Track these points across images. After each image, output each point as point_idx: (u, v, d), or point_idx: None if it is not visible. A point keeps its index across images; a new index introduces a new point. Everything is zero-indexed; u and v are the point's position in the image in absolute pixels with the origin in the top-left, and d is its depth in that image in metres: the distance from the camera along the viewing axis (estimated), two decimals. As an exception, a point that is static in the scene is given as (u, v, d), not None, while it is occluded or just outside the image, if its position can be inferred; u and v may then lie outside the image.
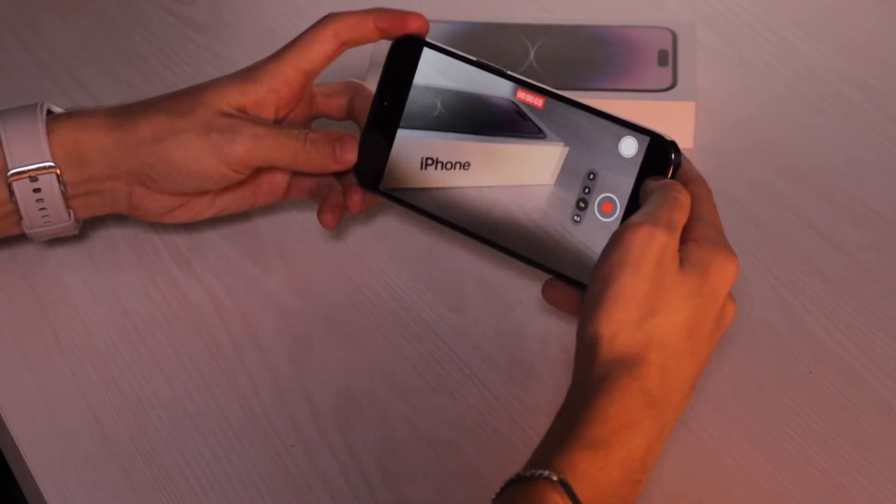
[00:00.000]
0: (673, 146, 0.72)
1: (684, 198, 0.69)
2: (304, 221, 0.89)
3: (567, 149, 0.76)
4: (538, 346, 0.81)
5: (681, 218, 0.69)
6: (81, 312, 0.84)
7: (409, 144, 0.80)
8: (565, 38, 0.99)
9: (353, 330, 0.82)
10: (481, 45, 0.99)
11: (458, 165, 0.79)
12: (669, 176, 0.72)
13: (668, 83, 0.94)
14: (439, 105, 0.79)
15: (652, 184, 0.71)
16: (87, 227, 0.88)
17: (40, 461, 0.75)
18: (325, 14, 0.82)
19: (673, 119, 0.93)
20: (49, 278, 0.86)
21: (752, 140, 0.95)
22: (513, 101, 0.78)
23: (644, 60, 0.96)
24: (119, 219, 0.89)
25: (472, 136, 0.79)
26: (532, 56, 0.97)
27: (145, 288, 0.85)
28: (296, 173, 0.84)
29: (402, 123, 0.80)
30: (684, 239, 0.69)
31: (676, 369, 0.66)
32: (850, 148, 0.95)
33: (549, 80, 0.95)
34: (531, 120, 0.77)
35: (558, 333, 0.81)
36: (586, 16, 1.07)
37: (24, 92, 1.03)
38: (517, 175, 0.77)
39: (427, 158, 0.80)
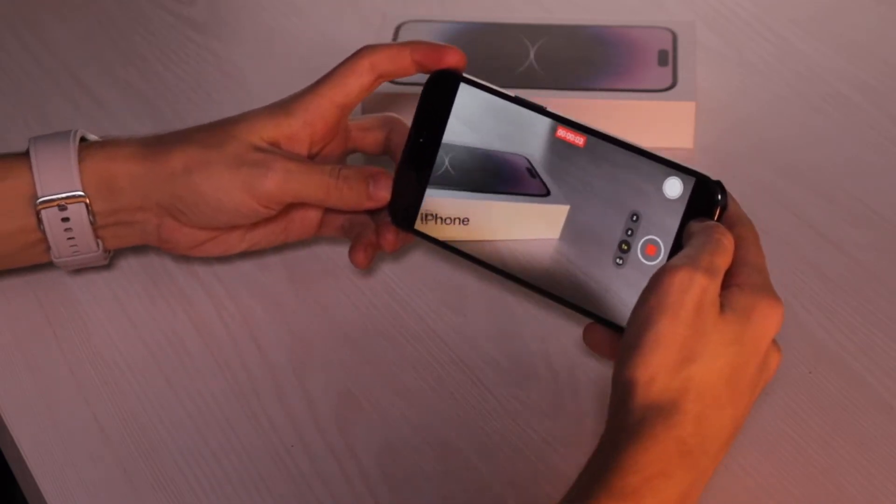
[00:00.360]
0: (719, 187, 0.71)
1: (727, 241, 0.68)
2: (304, 221, 0.89)
3: (568, 207, 0.75)
4: (538, 346, 0.81)
5: (723, 262, 0.67)
6: (81, 312, 0.84)
7: (440, 204, 0.79)
8: (565, 38, 0.99)
9: (354, 330, 0.82)
10: (481, 45, 0.99)
11: (457, 220, 0.78)
12: (715, 218, 0.71)
13: (668, 83, 0.94)
14: (447, 162, 0.79)
15: (695, 226, 0.70)
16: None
17: (40, 461, 0.75)
18: (362, 46, 0.80)
19: (673, 119, 0.93)
20: (49, 278, 0.86)
21: (752, 140, 0.95)
22: (526, 158, 0.77)
23: (644, 60, 0.96)
24: (119, 219, 0.89)
25: (475, 195, 0.78)
26: (532, 56, 0.97)
27: (145, 288, 0.85)
28: (328, 210, 0.84)
29: (435, 183, 0.79)
30: (728, 284, 0.67)
31: (714, 418, 0.65)
32: (850, 148, 0.95)
33: (549, 80, 0.95)
34: (539, 178, 0.76)
35: (558, 333, 0.81)
36: (586, 16, 1.07)
37: (24, 92, 1.03)
38: (520, 230, 0.77)
39: (427, 213, 0.79)
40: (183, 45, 1.08)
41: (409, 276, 0.85)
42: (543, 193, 0.76)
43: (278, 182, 0.78)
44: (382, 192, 0.80)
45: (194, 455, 0.75)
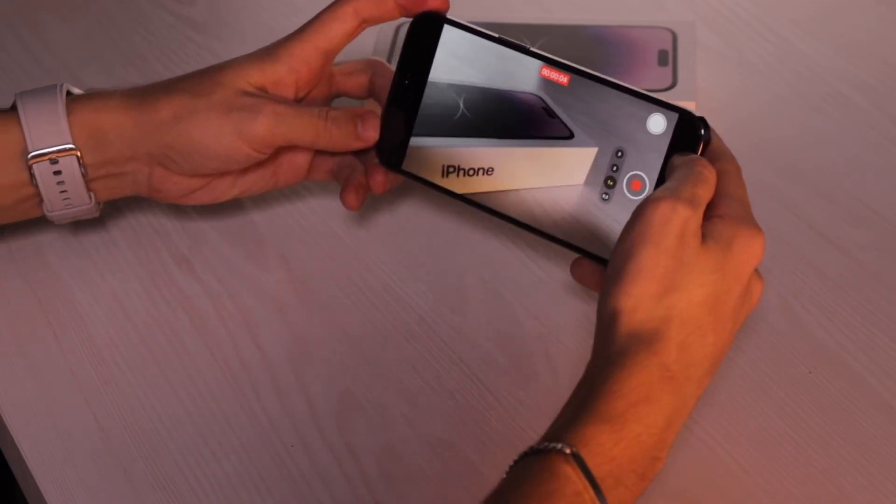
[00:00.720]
0: (702, 122, 0.72)
1: (709, 173, 0.69)
2: (304, 221, 0.89)
3: (596, 149, 0.75)
4: (538, 346, 0.81)
5: (705, 193, 0.68)
6: (81, 312, 0.84)
7: (432, 152, 0.79)
8: (565, 38, 0.99)
9: (354, 330, 0.82)
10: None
11: (481, 171, 0.78)
12: (699, 153, 0.71)
13: (668, 83, 0.94)
14: (462, 106, 0.79)
15: (678, 159, 0.71)
16: (87, 227, 0.88)
17: (40, 461, 0.75)
18: None
19: (673, 119, 0.93)
20: (49, 279, 0.86)
21: (752, 140, 0.95)
22: (539, 96, 0.77)
23: (644, 60, 0.96)
24: (119, 218, 0.89)
25: (497, 141, 0.78)
26: (532, 56, 0.97)
27: (145, 288, 0.85)
28: (317, 153, 0.84)
29: (424, 130, 0.79)
30: (709, 215, 0.68)
31: (697, 345, 0.65)
32: (850, 148, 0.95)
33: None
34: (559, 118, 0.76)
35: (558, 333, 0.81)
36: (586, 16, 1.07)
37: (24, 92, 1.03)
38: (545, 178, 0.77)
39: (449, 166, 0.79)
40: (183, 45, 1.08)
41: (410, 276, 0.85)
42: (568, 135, 0.76)
43: (268, 125, 0.78)
44: (370, 132, 0.80)
45: (194, 455, 0.75)
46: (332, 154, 0.84)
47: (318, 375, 0.79)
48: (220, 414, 0.77)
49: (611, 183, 0.74)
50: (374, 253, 0.87)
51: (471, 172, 0.78)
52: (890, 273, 0.85)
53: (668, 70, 0.95)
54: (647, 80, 0.94)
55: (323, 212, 0.90)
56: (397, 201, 0.90)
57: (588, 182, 0.75)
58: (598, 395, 0.63)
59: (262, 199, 0.91)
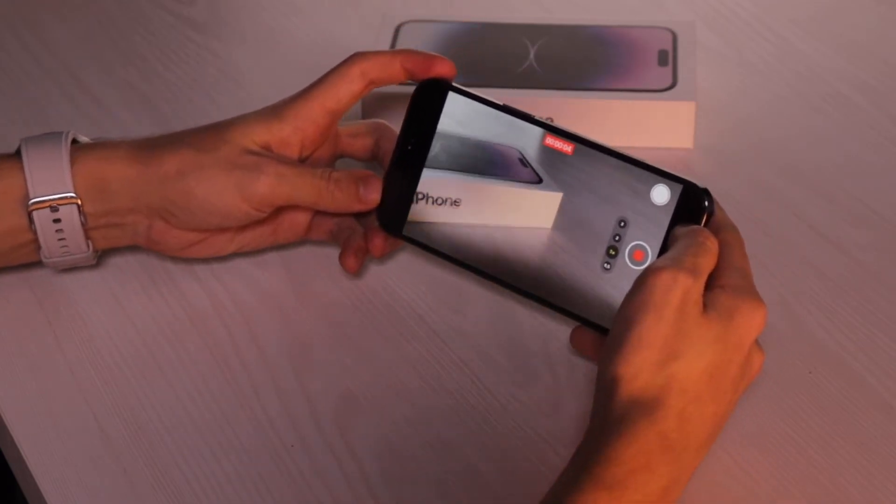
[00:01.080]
0: (706, 194, 0.72)
1: (711, 243, 0.69)
2: (304, 221, 0.89)
3: (561, 194, 0.76)
4: (538, 346, 0.81)
5: (707, 263, 0.68)
6: (81, 313, 0.84)
7: (432, 184, 0.80)
8: (565, 38, 0.99)
9: (353, 330, 0.82)
10: (481, 45, 0.99)
11: (449, 201, 0.79)
12: (702, 224, 0.72)
13: (668, 83, 0.94)
14: (438, 147, 0.79)
15: (680, 230, 0.71)
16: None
17: (40, 461, 0.75)
18: (353, 53, 0.81)
19: (673, 119, 0.93)
20: (49, 279, 0.86)
21: (752, 140, 0.95)
22: (518, 150, 0.77)
23: (644, 60, 0.96)
24: (119, 219, 0.89)
25: (469, 176, 0.79)
26: (532, 56, 0.97)
27: (145, 288, 0.85)
28: (317, 213, 0.84)
29: (428, 165, 0.80)
30: (712, 286, 0.68)
31: (696, 415, 0.66)
32: (850, 148, 0.95)
33: (549, 81, 0.95)
34: (531, 167, 0.77)
35: (558, 333, 0.81)
36: (586, 16, 1.07)
37: (24, 92, 1.03)
38: (512, 217, 0.77)
39: (419, 193, 0.80)
40: (183, 45, 1.08)
41: (409, 276, 0.85)
42: (536, 181, 0.77)
43: (270, 185, 0.78)
44: (373, 195, 0.80)
45: (194, 455, 0.75)
46: (333, 215, 0.84)
47: (318, 375, 0.79)
48: (220, 414, 0.77)
49: (613, 252, 0.75)
50: (374, 253, 0.87)
51: (439, 201, 0.79)
52: (890, 273, 0.85)
53: (668, 70, 0.95)
54: (647, 80, 0.94)
55: (323, 212, 0.90)
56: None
57: (591, 239, 0.75)
58: (597, 462, 0.63)
59: (262, 199, 0.91)
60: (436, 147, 0.79)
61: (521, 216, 0.77)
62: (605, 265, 0.75)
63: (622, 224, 0.74)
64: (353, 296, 0.84)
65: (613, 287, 0.74)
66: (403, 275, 0.86)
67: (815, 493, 0.72)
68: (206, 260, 0.86)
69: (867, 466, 0.73)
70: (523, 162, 0.77)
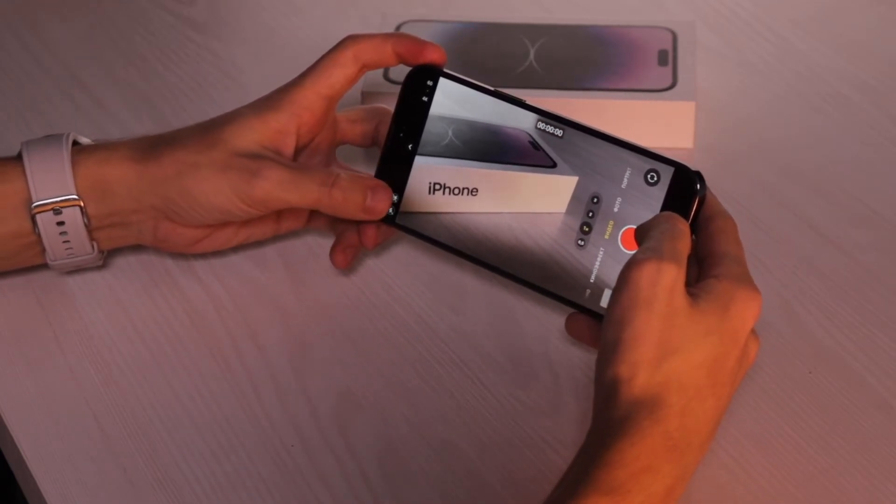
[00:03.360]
0: (698, 177, 0.72)
1: (682, 225, 0.68)
2: (304, 221, 0.89)
3: (577, 178, 0.75)
4: (538, 346, 0.81)
5: (684, 247, 0.67)
6: (81, 313, 0.84)
7: (421, 170, 0.80)
8: (565, 38, 0.99)
9: (354, 330, 0.82)
10: (481, 45, 0.99)
11: (466, 191, 0.78)
12: (694, 208, 0.71)
13: (668, 83, 0.94)
14: (450, 134, 0.79)
15: (646, 223, 0.70)
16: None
17: (40, 461, 0.75)
18: (345, 36, 0.81)
19: (673, 119, 0.93)
20: (49, 279, 0.86)
21: (752, 140, 0.95)
22: (528, 133, 0.77)
23: (644, 60, 0.96)
24: (119, 219, 0.89)
25: (483, 164, 0.78)
26: (532, 56, 0.97)
27: (146, 288, 0.85)
28: None
29: (442, 154, 0.79)
30: (706, 275, 0.68)
31: (698, 410, 0.65)
32: (850, 148, 0.95)
33: (549, 80, 0.95)
34: (543, 150, 0.77)
35: (558, 333, 0.81)
36: (586, 16, 1.07)
37: (24, 92, 1.03)
38: (526, 203, 0.77)
39: (435, 184, 0.79)
40: (183, 45, 1.08)
41: (409, 276, 0.85)
42: (551, 165, 0.76)
43: (267, 190, 0.78)
44: (380, 205, 0.79)
45: (194, 455, 0.75)
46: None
47: (318, 375, 0.79)
48: (220, 414, 0.77)
49: (606, 237, 0.74)
50: (374, 253, 0.87)
51: (456, 191, 0.78)
52: (890, 273, 0.85)
53: (668, 70, 0.95)
54: (647, 80, 0.94)
55: (323, 212, 0.90)
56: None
57: (582, 223, 0.75)
58: (600, 465, 0.63)
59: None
60: (448, 133, 0.79)
61: (536, 202, 0.77)
62: (598, 249, 0.75)
63: (615, 207, 0.74)
64: (353, 296, 0.84)
65: (606, 271, 0.74)
66: (403, 275, 0.86)
67: (815, 493, 0.72)
68: (206, 259, 0.86)
69: (867, 466, 0.73)
70: (535, 146, 0.77)
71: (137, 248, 0.87)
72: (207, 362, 0.80)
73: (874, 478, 0.72)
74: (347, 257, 0.83)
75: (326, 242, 0.87)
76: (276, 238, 0.88)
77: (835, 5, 1.08)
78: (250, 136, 0.79)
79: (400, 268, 0.86)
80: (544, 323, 0.82)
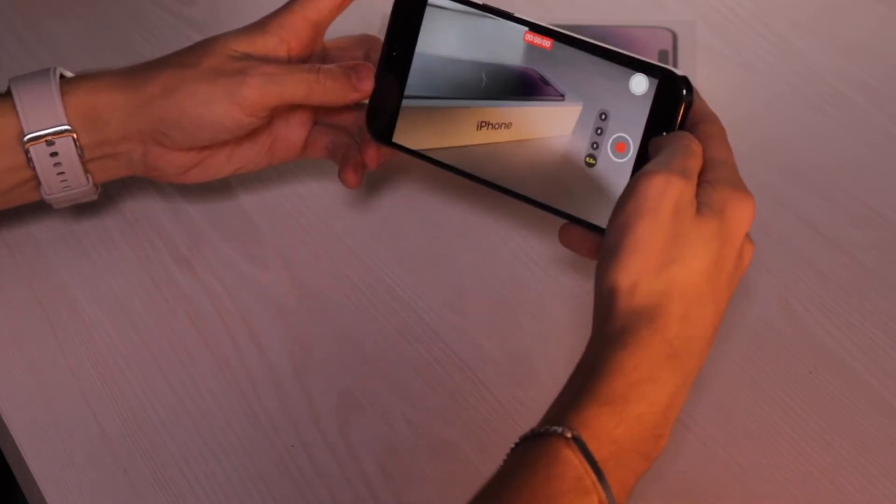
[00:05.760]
0: (685, 82, 0.71)
1: (696, 146, 0.68)
2: (304, 221, 0.89)
3: (581, 105, 0.75)
4: (538, 346, 0.81)
5: (695, 165, 0.67)
6: (81, 312, 0.84)
7: (420, 109, 0.79)
8: (565, 38, 0.99)
9: (354, 330, 0.82)
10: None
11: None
12: (681, 113, 0.71)
13: (668, 83, 0.94)
14: (451, 72, 0.79)
15: (661, 138, 0.70)
16: (87, 227, 0.88)
17: (40, 461, 0.75)
18: None
19: (673, 119, 0.93)
20: (49, 279, 0.86)
21: (752, 140, 0.95)
22: (531, 68, 0.76)
23: (644, 60, 0.96)
24: (118, 218, 0.89)
25: (487, 101, 0.78)
26: (532, 56, 0.97)
27: (145, 288, 0.85)
28: (313, 128, 0.84)
29: (412, 90, 0.79)
30: (699, 181, 0.68)
31: (698, 317, 0.65)
32: (850, 148, 0.95)
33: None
34: (549, 83, 0.76)
35: (558, 333, 0.81)
36: (587, 16, 1.07)
37: (24, 92, 1.03)
38: (532, 130, 0.76)
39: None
40: (183, 45, 1.07)
41: (409, 276, 0.85)
42: (559, 96, 0.76)
43: (259, 85, 0.78)
44: (366, 82, 0.80)
45: (194, 455, 0.75)
46: (329, 127, 0.84)
47: (318, 375, 0.79)
48: (220, 414, 0.77)
49: (595, 146, 0.74)
50: (374, 253, 0.87)
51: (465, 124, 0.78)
52: (890, 273, 0.85)
53: (668, 70, 0.95)
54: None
55: (323, 212, 0.90)
56: (397, 201, 0.90)
57: (574, 135, 0.74)
58: (600, 376, 0.63)
59: (262, 198, 0.91)
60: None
61: (544, 129, 0.76)
62: (589, 159, 0.74)
63: (603, 117, 0.74)
64: (353, 296, 0.84)
65: (598, 180, 0.74)
66: (404, 275, 0.86)
67: (815, 493, 0.72)
68: (207, 259, 0.86)
69: (867, 466, 0.73)
70: (544, 80, 0.77)
71: (138, 248, 0.87)
72: (208, 362, 0.80)
73: (874, 478, 0.72)
74: (358, 175, 0.82)
75: (327, 244, 0.87)
76: (276, 238, 0.88)
77: (835, 5, 1.08)
78: (237, 48, 0.79)
79: (400, 268, 0.86)
80: (544, 323, 0.82)
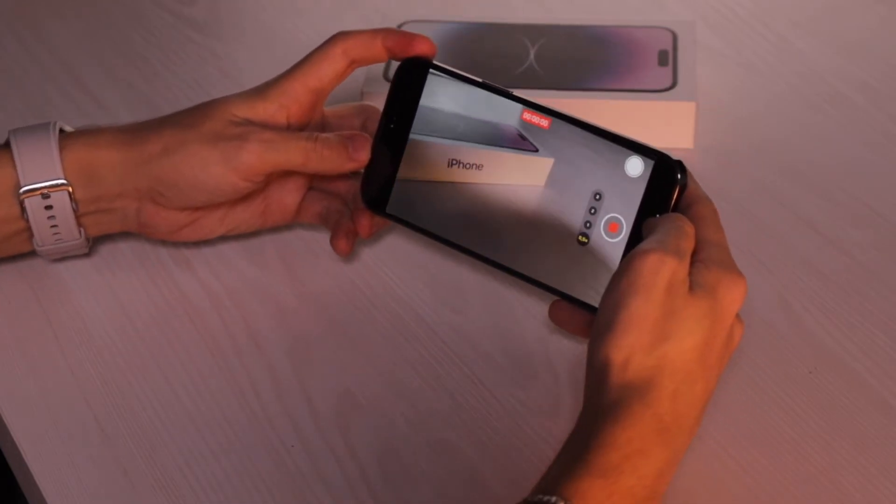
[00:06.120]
0: (679, 166, 0.72)
1: (689, 227, 0.70)
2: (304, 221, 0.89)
3: (552, 160, 0.76)
4: (538, 346, 0.81)
5: (688, 246, 0.69)
6: (81, 312, 0.84)
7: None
8: (565, 38, 0.99)
9: (353, 330, 0.82)
10: (481, 45, 0.99)
11: (477, 167, 0.79)
12: (675, 196, 0.72)
13: (668, 83, 0.94)
14: (441, 124, 0.79)
15: (656, 219, 0.72)
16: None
17: (40, 461, 0.75)
18: (335, 33, 0.82)
19: (673, 119, 0.93)
20: (49, 278, 0.86)
21: (752, 140, 0.95)
22: (515, 127, 0.78)
23: (644, 60, 0.96)
24: (119, 219, 0.89)
25: (473, 145, 0.79)
26: (532, 56, 0.97)
27: (145, 288, 0.85)
28: (307, 194, 0.85)
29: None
30: (692, 261, 0.69)
31: (688, 394, 0.66)
32: (850, 148, 0.95)
33: (549, 80, 0.95)
34: (529, 140, 0.77)
35: (558, 333, 0.81)
36: (586, 16, 1.07)
37: (24, 92, 1.03)
38: (511, 175, 0.77)
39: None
40: (183, 45, 1.08)
41: (409, 276, 0.85)
42: (533, 150, 0.77)
43: (257, 151, 0.79)
44: (362, 153, 0.80)
45: (194, 455, 0.75)
46: (323, 194, 0.85)
47: (318, 375, 0.79)
48: (220, 413, 0.77)
49: (588, 225, 0.75)
50: (374, 253, 0.87)
51: (454, 164, 0.79)
52: (890, 273, 0.85)
53: (668, 70, 0.95)
54: (647, 80, 0.94)
55: (323, 212, 0.90)
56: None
57: (567, 213, 0.75)
58: (592, 448, 0.63)
59: (262, 199, 0.91)
60: (439, 120, 0.79)
61: (516, 176, 0.77)
62: (582, 238, 0.75)
63: (597, 197, 0.75)
64: (353, 295, 0.84)
65: (590, 260, 0.75)
66: (403, 274, 0.86)
67: (815, 493, 0.72)
68: (206, 259, 0.86)
69: (867, 466, 0.73)
70: (522, 136, 0.78)
71: (137, 248, 0.87)
72: (207, 362, 0.80)
73: (874, 478, 0.72)
74: (349, 243, 0.83)
75: (327, 243, 0.87)
76: (275, 238, 0.88)
77: (835, 5, 1.08)
78: (237, 113, 0.80)
79: (400, 267, 0.86)
80: (544, 323, 0.82)
